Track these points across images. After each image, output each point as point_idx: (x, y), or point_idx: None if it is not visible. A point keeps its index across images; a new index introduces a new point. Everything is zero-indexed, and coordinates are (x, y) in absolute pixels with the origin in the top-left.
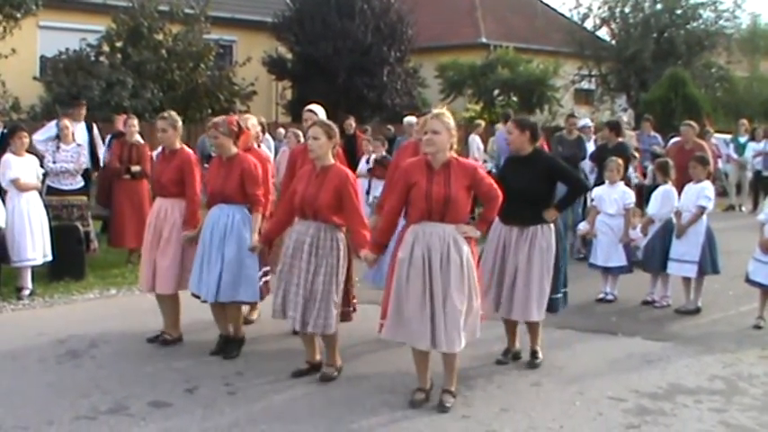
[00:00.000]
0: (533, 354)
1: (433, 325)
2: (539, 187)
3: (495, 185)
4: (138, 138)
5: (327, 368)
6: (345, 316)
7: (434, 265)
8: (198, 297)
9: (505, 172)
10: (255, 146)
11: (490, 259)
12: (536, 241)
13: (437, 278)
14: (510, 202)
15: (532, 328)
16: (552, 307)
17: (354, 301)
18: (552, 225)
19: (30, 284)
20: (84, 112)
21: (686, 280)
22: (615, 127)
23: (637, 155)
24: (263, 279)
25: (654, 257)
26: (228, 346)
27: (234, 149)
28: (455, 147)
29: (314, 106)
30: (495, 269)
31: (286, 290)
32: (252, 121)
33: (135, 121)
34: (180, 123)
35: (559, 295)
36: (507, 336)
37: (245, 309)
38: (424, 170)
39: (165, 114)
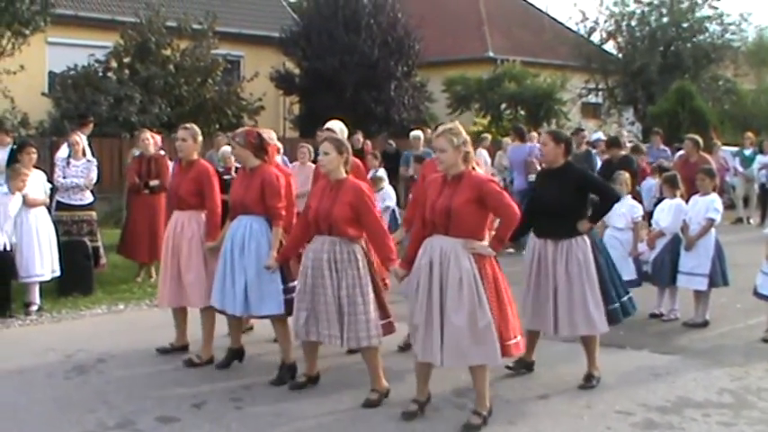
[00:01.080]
0: (588, 377)
1: (433, 339)
2: (570, 199)
3: (510, 202)
4: (152, 150)
5: (371, 393)
6: (388, 328)
7: (434, 279)
8: (222, 312)
9: (537, 185)
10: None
11: (526, 275)
12: (572, 254)
13: (436, 292)
14: (543, 215)
15: (588, 346)
16: (612, 318)
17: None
18: (587, 237)
19: (38, 300)
20: (90, 128)
21: (697, 293)
22: (615, 142)
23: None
24: (290, 295)
25: (663, 271)
26: (281, 374)
27: (255, 161)
28: (472, 158)
29: (331, 124)
30: (532, 283)
31: (312, 309)
32: (270, 134)
33: (147, 134)
34: (200, 136)
35: (617, 305)
36: (527, 345)
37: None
38: (439, 184)
39: (188, 125)
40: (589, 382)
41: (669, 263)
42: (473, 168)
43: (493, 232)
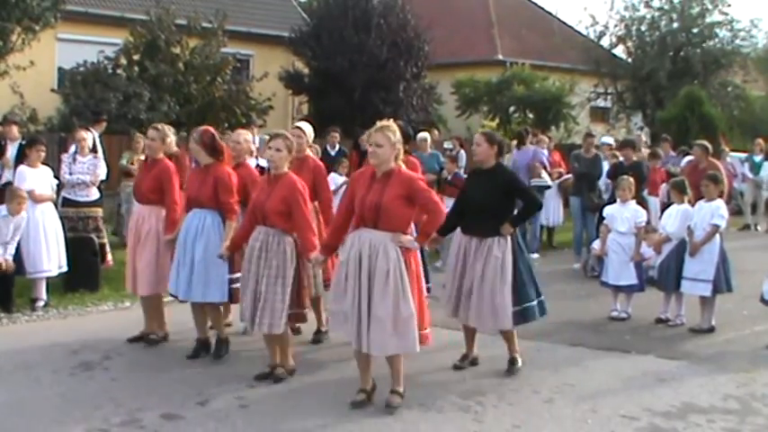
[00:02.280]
0: (511, 361)
1: (361, 327)
2: (498, 201)
3: (437, 200)
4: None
5: (278, 369)
6: (298, 318)
7: (363, 271)
8: (176, 297)
9: (468, 184)
10: (249, 160)
11: (451, 268)
12: (491, 253)
13: (364, 283)
14: (471, 213)
15: (505, 336)
16: (525, 316)
17: (308, 303)
18: (509, 238)
19: (44, 296)
20: (103, 126)
21: (702, 299)
22: (631, 145)
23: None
24: (236, 284)
25: (669, 276)
26: (217, 348)
27: (208, 159)
28: (401, 157)
29: (301, 123)
30: (456, 277)
31: (244, 294)
32: (246, 136)
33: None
34: (170, 138)
35: (532, 304)
36: (465, 342)
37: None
38: (367, 179)
39: (159, 126)
40: (513, 364)
41: (675, 268)
42: (401, 167)
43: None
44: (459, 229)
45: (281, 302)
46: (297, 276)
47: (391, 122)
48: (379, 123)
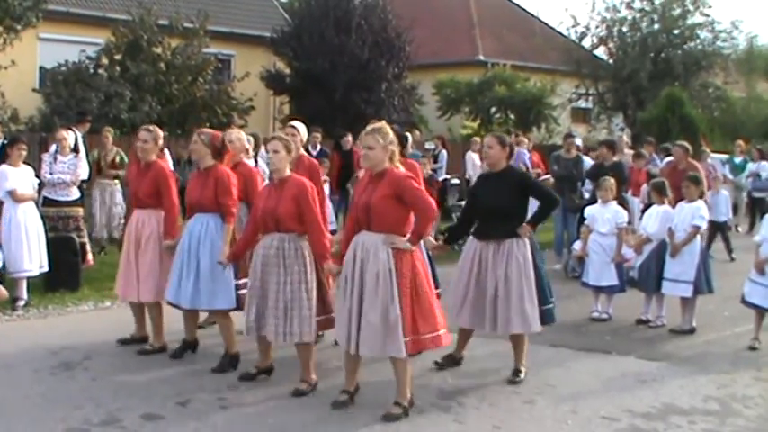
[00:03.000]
0: (516, 372)
1: (351, 328)
2: (512, 203)
3: (427, 198)
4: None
5: (301, 383)
6: (326, 324)
7: (356, 272)
8: (176, 306)
9: (478, 188)
10: (245, 159)
11: (465, 275)
12: (513, 255)
13: (357, 284)
14: (484, 217)
15: (518, 344)
16: (545, 318)
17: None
18: (527, 239)
19: (25, 295)
20: (87, 127)
21: (683, 300)
22: (611, 146)
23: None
24: (242, 291)
25: (649, 277)
26: (223, 363)
27: (211, 161)
28: (396, 159)
29: (296, 123)
30: (472, 285)
31: (261, 305)
32: (238, 135)
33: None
34: (161, 139)
35: (551, 306)
36: (457, 342)
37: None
38: (365, 182)
39: (150, 127)
40: (517, 375)
41: (656, 269)
42: (396, 167)
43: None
44: (471, 236)
45: (308, 309)
46: (318, 280)
47: (383, 124)
48: (370, 126)
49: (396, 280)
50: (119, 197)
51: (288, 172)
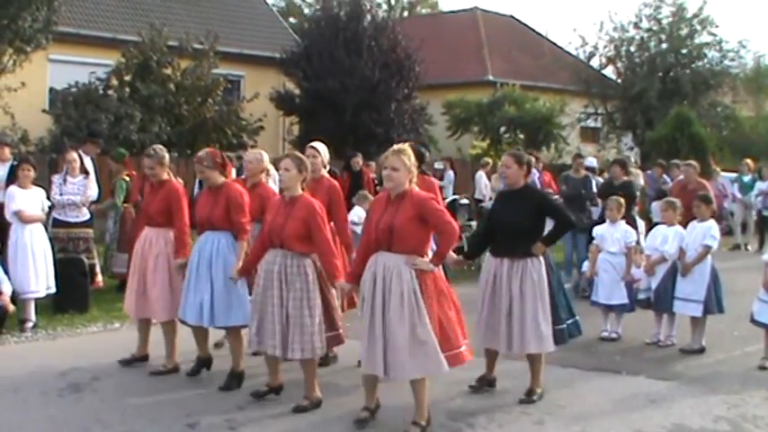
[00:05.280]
0: (530, 392)
1: (376, 350)
2: (529, 221)
3: (450, 220)
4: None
5: (303, 400)
6: (336, 340)
7: (377, 294)
8: (186, 323)
9: (496, 206)
10: (264, 180)
11: (482, 292)
12: (527, 274)
13: (378, 306)
14: (500, 235)
15: (534, 364)
16: (558, 338)
17: (340, 325)
18: (542, 258)
19: (33, 317)
20: (97, 149)
21: (693, 319)
22: (623, 165)
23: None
24: None
25: (666, 298)
26: (230, 381)
27: (220, 179)
28: (414, 181)
29: (316, 144)
30: (486, 302)
31: (261, 319)
32: (256, 155)
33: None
34: (166, 158)
35: (564, 326)
36: (487, 365)
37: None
38: (383, 203)
39: (151, 151)
40: (530, 396)
41: (671, 289)
42: (414, 188)
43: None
44: (488, 253)
45: (310, 326)
46: (323, 298)
47: (406, 146)
48: (394, 147)
49: (422, 299)
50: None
51: (299, 191)
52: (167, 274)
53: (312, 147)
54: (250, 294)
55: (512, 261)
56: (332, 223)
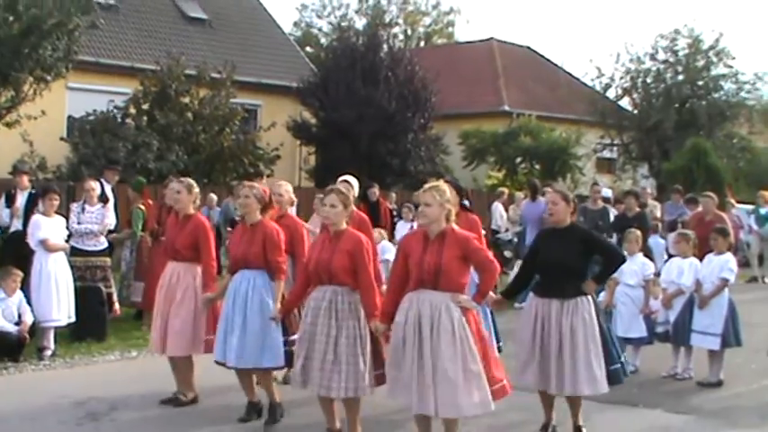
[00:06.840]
0: (577, 429)
1: (427, 390)
2: (577, 260)
3: (491, 258)
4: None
5: None
6: (380, 379)
7: (424, 332)
8: (223, 364)
9: (540, 244)
10: (289, 211)
11: (529, 334)
12: (578, 314)
13: (426, 345)
14: (547, 274)
15: (575, 402)
16: (613, 378)
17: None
18: (591, 297)
19: (52, 345)
20: (116, 177)
21: (711, 352)
22: (637, 196)
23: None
24: (292, 347)
25: (685, 331)
26: (272, 413)
27: (258, 216)
28: (452, 218)
29: (349, 177)
30: (536, 343)
31: (308, 357)
32: (286, 187)
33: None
34: (196, 189)
35: (618, 365)
36: (544, 409)
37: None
38: (420, 241)
39: (182, 178)
40: None
41: (688, 322)
42: (454, 227)
43: None
44: (532, 294)
45: (363, 364)
46: (372, 336)
47: (440, 182)
48: (428, 184)
49: (471, 336)
50: (126, 252)
51: (344, 225)
52: (193, 309)
53: (346, 181)
54: (285, 335)
55: (561, 302)
56: None
